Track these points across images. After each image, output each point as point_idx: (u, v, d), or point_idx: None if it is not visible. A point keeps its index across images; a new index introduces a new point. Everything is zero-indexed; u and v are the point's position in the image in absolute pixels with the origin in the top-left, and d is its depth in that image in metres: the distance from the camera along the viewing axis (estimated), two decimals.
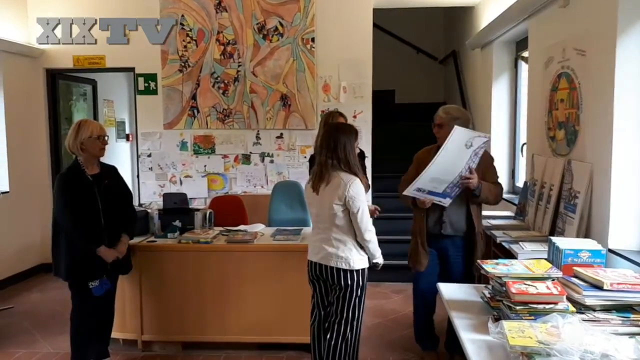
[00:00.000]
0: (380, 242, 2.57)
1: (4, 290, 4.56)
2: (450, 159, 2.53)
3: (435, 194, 2.65)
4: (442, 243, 2.85)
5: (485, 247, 3.00)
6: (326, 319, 2.59)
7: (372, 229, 2.48)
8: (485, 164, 2.82)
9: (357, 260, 2.47)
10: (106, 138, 2.89)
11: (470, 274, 2.82)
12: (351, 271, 2.46)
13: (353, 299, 2.51)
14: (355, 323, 2.54)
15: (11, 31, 4.74)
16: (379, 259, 2.56)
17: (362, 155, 3.57)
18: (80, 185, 2.78)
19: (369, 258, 2.55)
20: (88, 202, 2.78)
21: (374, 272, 4.38)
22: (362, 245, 2.50)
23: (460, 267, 2.85)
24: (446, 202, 2.70)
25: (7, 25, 4.71)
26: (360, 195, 2.41)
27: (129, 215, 3.04)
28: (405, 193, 2.67)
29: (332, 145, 2.43)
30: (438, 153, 2.50)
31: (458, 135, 2.48)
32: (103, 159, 2.97)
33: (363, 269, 2.51)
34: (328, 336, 2.55)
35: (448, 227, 2.81)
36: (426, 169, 2.53)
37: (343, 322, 2.52)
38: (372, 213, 3.16)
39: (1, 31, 4.59)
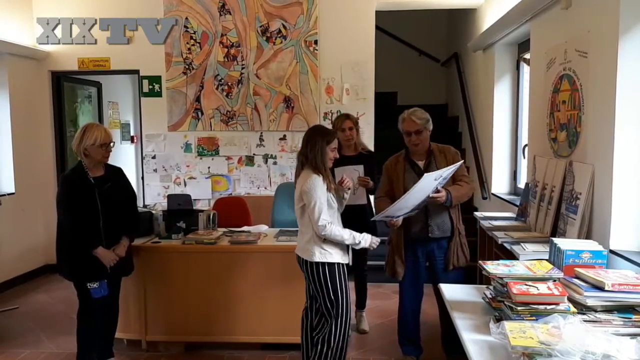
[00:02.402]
0: (382, 243, 2.59)
1: (10, 290, 4.59)
2: (418, 194, 2.56)
3: (403, 214, 2.69)
4: (429, 246, 2.87)
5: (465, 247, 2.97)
6: (316, 312, 2.67)
7: (324, 223, 2.46)
8: (452, 162, 2.82)
9: (318, 254, 2.52)
10: (112, 145, 2.89)
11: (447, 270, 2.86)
12: (311, 263, 2.54)
13: (328, 294, 2.54)
14: (339, 319, 2.55)
15: (16, 33, 4.78)
16: (360, 242, 2.57)
17: (372, 156, 3.58)
18: (81, 187, 2.81)
19: (350, 251, 2.61)
20: (88, 204, 2.80)
21: (376, 273, 4.39)
22: (327, 240, 2.52)
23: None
24: (413, 213, 2.74)
25: (12, 27, 4.75)
26: (312, 190, 2.47)
27: (132, 218, 3.04)
28: (374, 219, 2.75)
29: (304, 146, 2.60)
30: (403, 197, 2.51)
31: (425, 180, 2.50)
32: (112, 160, 3.00)
33: (324, 263, 2.52)
34: (317, 330, 2.64)
35: (435, 230, 2.82)
36: (393, 206, 2.56)
37: (333, 314, 2.56)
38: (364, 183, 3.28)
39: (7, 33, 4.64)
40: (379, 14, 4.98)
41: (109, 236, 2.87)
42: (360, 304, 3.68)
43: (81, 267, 2.82)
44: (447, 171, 2.58)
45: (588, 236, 2.53)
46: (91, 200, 2.81)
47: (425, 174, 2.50)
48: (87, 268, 2.81)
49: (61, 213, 2.82)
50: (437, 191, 2.65)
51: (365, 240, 2.60)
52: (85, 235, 2.80)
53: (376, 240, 2.65)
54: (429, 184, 2.55)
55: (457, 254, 2.86)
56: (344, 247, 2.61)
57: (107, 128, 2.97)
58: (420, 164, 2.88)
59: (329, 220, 2.50)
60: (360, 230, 2.69)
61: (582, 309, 1.70)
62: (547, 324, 1.54)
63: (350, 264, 2.64)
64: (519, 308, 1.69)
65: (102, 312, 2.93)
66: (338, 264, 2.56)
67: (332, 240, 2.53)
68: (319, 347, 2.60)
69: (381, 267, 4.55)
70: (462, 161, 2.76)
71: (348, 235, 2.55)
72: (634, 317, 1.66)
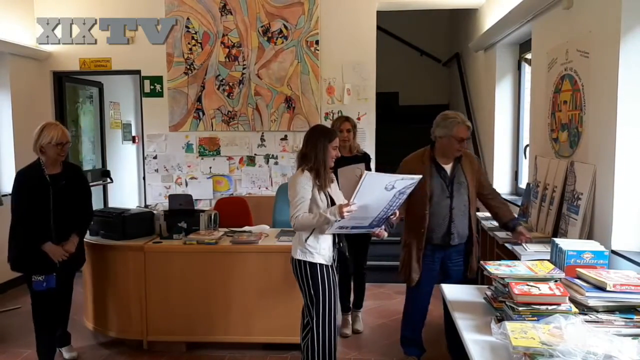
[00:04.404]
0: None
1: (11, 290, 4.60)
2: (369, 201, 2.35)
3: (360, 227, 2.53)
4: (448, 252, 2.82)
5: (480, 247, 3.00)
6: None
7: (297, 217, 2.43)
8: (478, 171, 2.84)
9: (299, 252, 2.53)
10: (67, 145, 2.96)
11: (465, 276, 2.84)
12: (293, 260, 2.57)
13: (309, 292, 2.53)
14: (319, 321, 2.52)
15: (18, 34, 4.79)
16: (330, 219, 2.37)
17: (367, 157, 3.60)
18: (35, 184, 2.90)
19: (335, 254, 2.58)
20: (40, 200, 2.89)
21: (377, 273, 4.35)
22: (308, 238, 2.49)
23: (461, 269, 2.85)
24: (375, 230, 2.61)
25: (14, 27, 4.76)
26: (296, 185, 2.48)
27: (84, 215, 3.12)
28: (326, 232, 2.47)
29: (305, 145, 2.59)
30: (355, 196, 2.30)
31: (370, 180, 2.28)
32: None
33: (305, 262, 2.51)
34: (303, 334, 2.64)
35: (456, 238, 2.76)
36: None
37: (313, 314, 2.54)
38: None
39: (8, 34, 4.64)
40: (380, 14, 4.98)
41: (59, 232, 2.95)
42: (358, 304, 3.68)
43: (29, 261, 2.92)
44: (400, 181, 2.33)
45: (589, 236, 2.52)
46: (44, 196, 2.90)
47: (366, 172, 2.28)
48: (35, 261, 2.91)
49: (13, 206, 2.93)
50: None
51: (334, 213, 2.37)
52: (34, 230, 2.89)
53: (349, 209, 2.32)
54: (380, 192, 2.33)
55: (475, 260, 2.84)
56: (328, 248, 2.53)
57: (65, 129, 3.00)
58: (447, 168, 2.76)
59: (300, 214, 2.44)
60: (362, 234, 2.66)
61: (584, 309, 1.70)
62: (549, 325, 1.54)
63: (331, 263, 2.55)
64: (520, 308, 1.69)
65: (52, 301, 3.02)
66: (320, 264, 2.52)
67: (303, 229, 2.48)
68: (305, 354, 2.58)
69: (382, 268, 4.56)
70: (420, 176, 2.44)
71: (312, 218, 2.43)
72: (636, 317, 1.66)
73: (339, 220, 2.37)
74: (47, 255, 2.91)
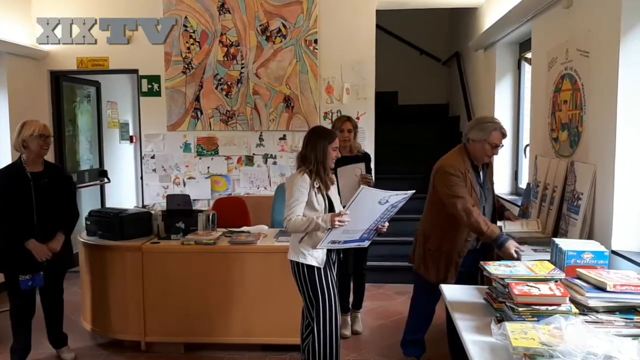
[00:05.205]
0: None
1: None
2: (361, 214, 2.37)
3: (352, 241, 2.54)
4: (470, 255, 2.78)
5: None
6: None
7: (290, 219, 2.44)
8: (492, 172, 2.87)
9: (293, 253, 2.55)
10: (49, 138, 3.00)
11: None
12: (289, 260, 2.58)
13: (304, 292, 2.55)
14: (320, 322, 2.51)
15: (16, 33, 4.77)
16: (321, 226, 2.38)
17: (367, 157, 3.59)
18: (17, 181, 2.91)
19: (322, 256, 2.54)
20: (22, 198, 2.90)
21: (377, 274, 4.33)
22: (302, 240, 2.50)
23: (472, 265, 2.79)
24: (365, 244, 2.64)
25: (11, 27, 4.74)
26: (292, 186, 2.48)
27: (68, 214, 3.12)
28: (318, 247, 2.46)
29: (304, 147, 2.58)
30: (347, 208, 2.32)
31: (364, 195, 2.28)
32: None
33: (300, 264, 2.51)
34: (304, 335, 2.64)
35: (479, 243, 2.76)
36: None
37: (313, 315, 2.54)
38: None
39: (6, 33, 4.63)
40: (380, 13, 4.96)
41: (43, 231, 2.95)
42: (357, 305, 3.67)
43: (13, 259, 2.92)
44: (394, 196, 2.33)
45: (590, 236, 2.51)
46: (26, 194, 2.90)
47: (363, 187, 2.30)
48: (19, 260, 2.90)
49: None
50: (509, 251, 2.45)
51: (326, 221, 2.37)
52: (17, 228, 2.89)
53: (341, 220, 2.32)
54: (374, 206, 2.34)
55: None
56: (321, 250, 2.51)
57: (46, 124, 3.06)
58: (481, 174, 2.76)
59: (293, 217, 2.44)
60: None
61: (584, 309, 1.70)
62: (549, 325, 1.53)
63: (324, 265, 2.53)
64: (520, 309, 1.68)
65: (31, 303, 3.03)
66: (316, 267, 2.51)
67: (295, 232, 2.49)
68: (307, 355, 2.58)
69: (382, 268, 4.55)
70: (414, 191, 2.41)
71: (304, 222, 2.41)
72: (636, 317, 1.66)
73: (330, 229, 2.36)
74: (32, 255, 2.90)
